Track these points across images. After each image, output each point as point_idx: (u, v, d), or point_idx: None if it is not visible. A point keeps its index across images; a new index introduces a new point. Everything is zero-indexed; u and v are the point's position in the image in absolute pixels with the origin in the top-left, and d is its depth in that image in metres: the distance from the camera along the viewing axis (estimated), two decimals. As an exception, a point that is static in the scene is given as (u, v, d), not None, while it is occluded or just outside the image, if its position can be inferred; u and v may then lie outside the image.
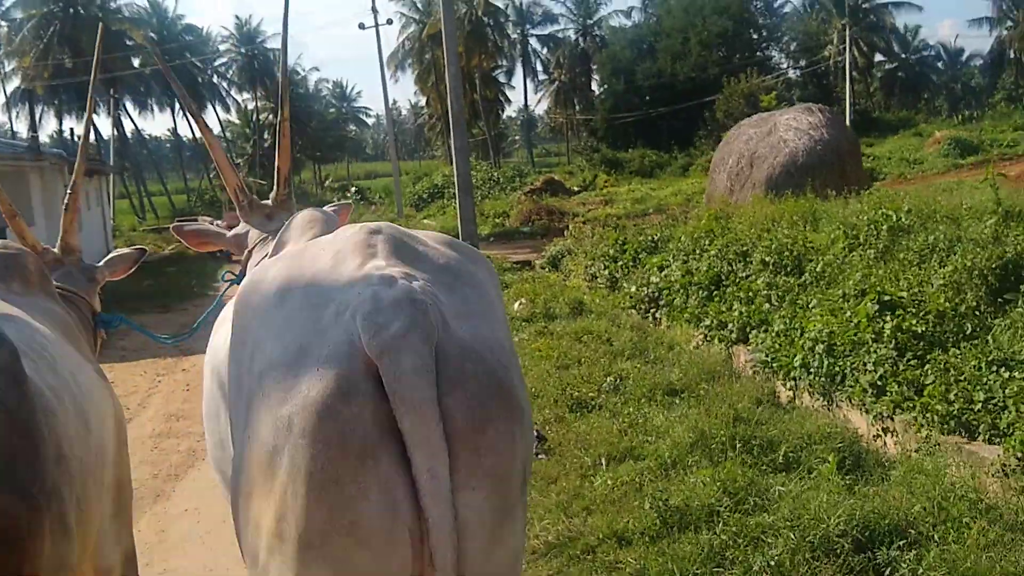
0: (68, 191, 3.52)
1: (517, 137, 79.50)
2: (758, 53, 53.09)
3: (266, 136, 64.08)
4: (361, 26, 39.81)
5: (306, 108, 64.08)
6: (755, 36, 55.23)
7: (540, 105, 72.22)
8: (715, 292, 8.68)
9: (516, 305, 10.29)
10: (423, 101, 74.67)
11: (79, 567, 2.31)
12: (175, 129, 66.13)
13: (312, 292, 1.97)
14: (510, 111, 73.91)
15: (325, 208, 3.24)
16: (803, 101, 44.61)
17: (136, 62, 52.55)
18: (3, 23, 51.32)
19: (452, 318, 1.89)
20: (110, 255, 3.79)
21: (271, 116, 63.13)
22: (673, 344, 8.25)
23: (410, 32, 60.89)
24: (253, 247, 3.28)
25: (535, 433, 5.47)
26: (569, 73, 64.05)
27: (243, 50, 62.66)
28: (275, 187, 3.38)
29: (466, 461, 1.78)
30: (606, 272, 11.61)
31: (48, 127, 70.06)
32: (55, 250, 3.50)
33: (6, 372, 2.02)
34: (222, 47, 62.93)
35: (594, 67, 61.69)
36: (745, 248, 9.30)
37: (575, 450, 5.75)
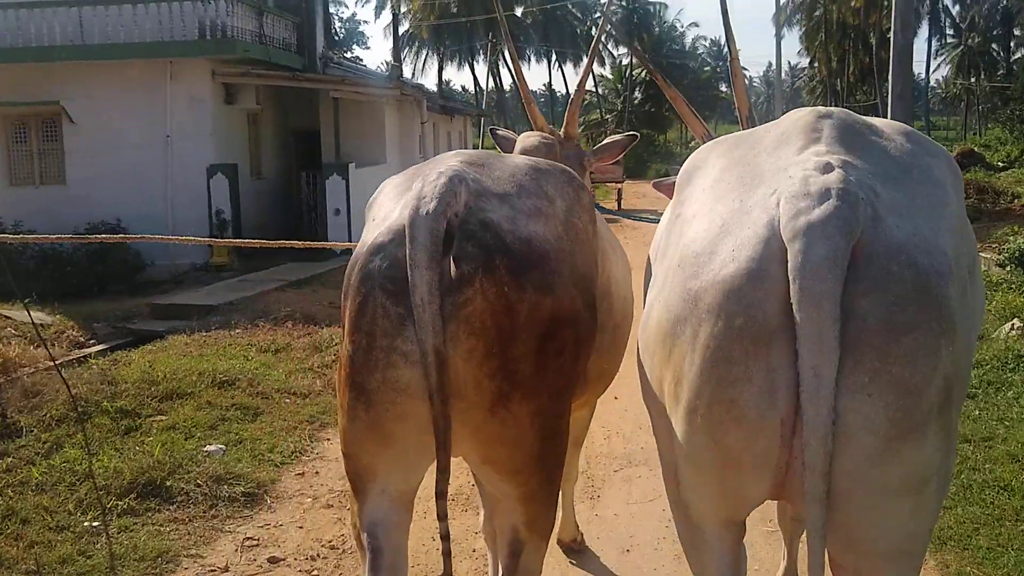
0: (574, 90, 4.35)
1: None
2: None
3: (636, 93, 63.48)
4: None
5: (681, 65, 62.25)
6: None
7: (938, 71, 64.16)
8: None
9: (1006, 328, 7.47)
10: (803, 62, 69.81)
11: (605, 382, 3.15)
12: (550, 83, 67.51)
13: (747, 172, 1.99)
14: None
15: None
16: None
17: (519, 11, 53.73)
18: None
19: (888, 214, 1.79)
20: (604, 141, 4.27)
21: (643, 73, 62.33)
22: None
23: (801, -15, 56.62)
24: None
25: None
26: (983, 35, 55.74)
27: (624, 3, 62.06)
28: (741, 125, 3.42)
29: (870, 366, 1.69)
30: None
31: (430, 73, 74.71)
32: (560, 133, 4.12)
33: (588, 211, 2.65)
34: (603, -1, 62.76)
35: (1016, 29, 53.04)
36: None
37: None
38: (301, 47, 18.70)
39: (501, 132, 4.30)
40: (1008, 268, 10.80)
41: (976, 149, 29.75)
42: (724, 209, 1.93)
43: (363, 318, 2.18)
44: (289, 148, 19.38)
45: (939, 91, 72.70)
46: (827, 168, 1.82)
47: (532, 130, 4.17)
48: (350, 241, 10.08)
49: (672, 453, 2.07)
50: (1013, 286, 8.99)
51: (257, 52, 16.64)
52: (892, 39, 14.42)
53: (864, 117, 2.14)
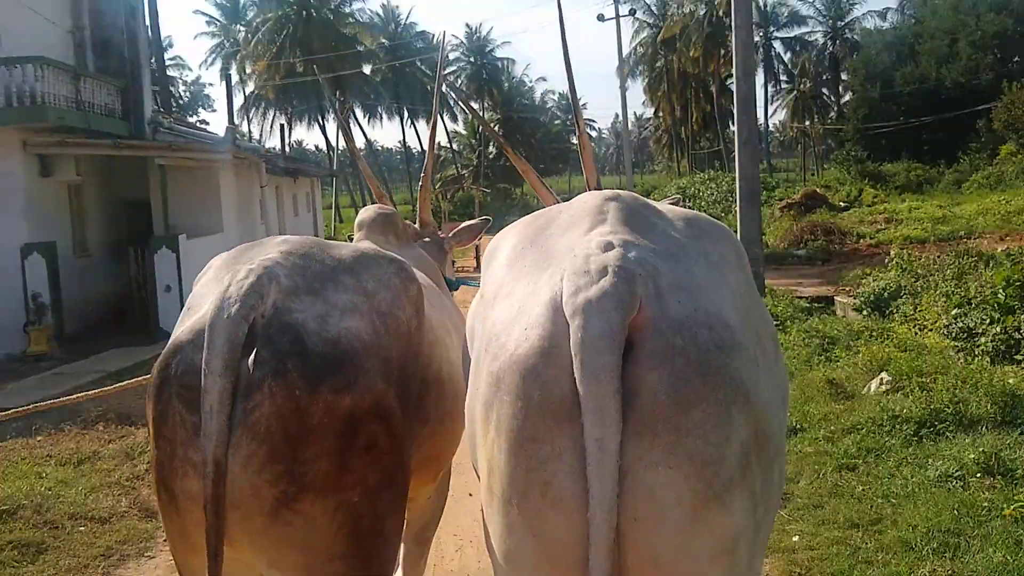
0: (422, 174, 4.49)
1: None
2: (1039, 56, 46.41)
3: (491, 148, 63.93)
4: (600, 17, 38.15)
5: (532, 119, 63.15)
6: (1038, 36, 48.38)
7: (775, 116, 67.49)
8: None
9: (875, 384, 6.95)
10: (648, 112, 72.21)
11: (436, 469, 3.07)
12: (404, 140, 67.18)
13: (540, 253, 2.06)
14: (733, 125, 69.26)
15: (663, 200, 3.17)
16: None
17: (367, 69, 53.36)
18: (242, 27, 53.56)
19: (670, 291, 1.84)
20: (460, 226, 4.43)
21: (497, 127, 62.93)
22: None
23: (643, 38, 58.62)
24: None
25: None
26: (814, 80, 58.97)
27: (472, 59, 62.68)
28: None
29: (666, 440, 1.73)
30: (994, 330, 7.49)
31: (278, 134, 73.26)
32: (415, 225, 4.22)
33: (414, 303, 2.59)
34: (452, 55, 63.18)
35: (843, 73, 56.29)
36: None
37: None
38: (127, 112, 17.38)
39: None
40: (865, 312, 10.70)
41: (819, 190, 30.88)
42: (521, 290, 1.99)
43: (164, 426, 2.18)
44: (119, 221, 17.87)
45: (777, 135, 76.53)
46: (608, 247, 1.89)
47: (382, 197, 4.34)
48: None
49: (493, 559, 1.98)
50: (874, 333, 8.74)
51: (74, 119, 15.25)
52: (735, 87, 14.47)
53: (650, 202, 2.25)
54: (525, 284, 1.99)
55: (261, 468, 2.10)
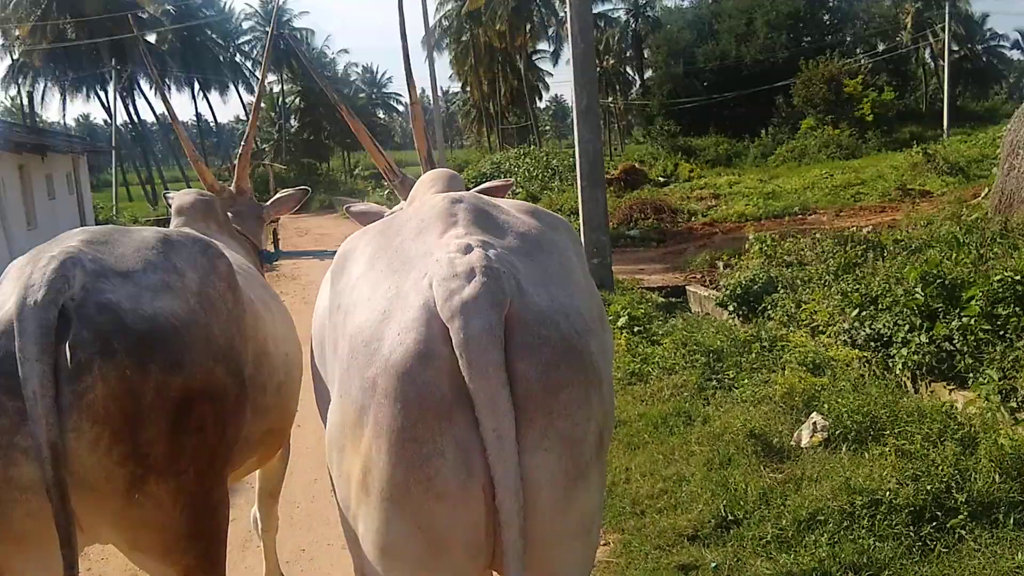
0: (242, 143, 4.40)
1: (548, 127, 74.85)
2: (828, 36, 48.43)
3: (292, 121, 60.26)
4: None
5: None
6: (827, 18, 50.52)
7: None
8: None
9: (806, 433, 5.10)
10: (456, 87, 70.56)
11: (280, 438, 3.21)
12: (197, 113, 62.13)
13: (396, 259, 2.09)
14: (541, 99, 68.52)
15: (486, 184, 3.44)
16: (882, 87, 40.88)
17: (153, 37, 48.50)
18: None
19: (529, 285, 1.94)
20: (277, 195, 4.44)
21: (298, 100, 59.40)
22: None
23: (448, 10, 56.66)
24: None
25: None
26: (617, 57, 59.11)
27: (267, 29, 58.57)
28: (421, 165, 3.45)
29: (540, 423, 1.84)
30: (918, 339, 5.87)
31: (51, 105, 66.02)
32: (231, 189, 4.21)
33: (225, 279, 2.61)
34: (245, 25, 58.78)
35: (645, 51, 56.70)
36: None
37: None
38: None
39: (171, 196, 4.13)
40: (731, 308, 9.30)
41: (637, 166, 30.16)
42: (382, 296, 2.00)
43: None
44: None
45: (580, 110, 76.89)
46: (468, 249, 1.95)
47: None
48: None
49: (363, 555, 2.00)
50: (765, 343, 7.05)
51: None
52: (571, 45, 12.01)
53: (491, 199, 2.33)
54: (385, 289, 2.01)
55: (108, 450, 2.10)
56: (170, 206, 4.02)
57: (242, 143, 4.37)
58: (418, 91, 3.76)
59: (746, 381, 6.21)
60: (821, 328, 7.43)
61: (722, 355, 6.96)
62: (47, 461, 1.98)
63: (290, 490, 5.02)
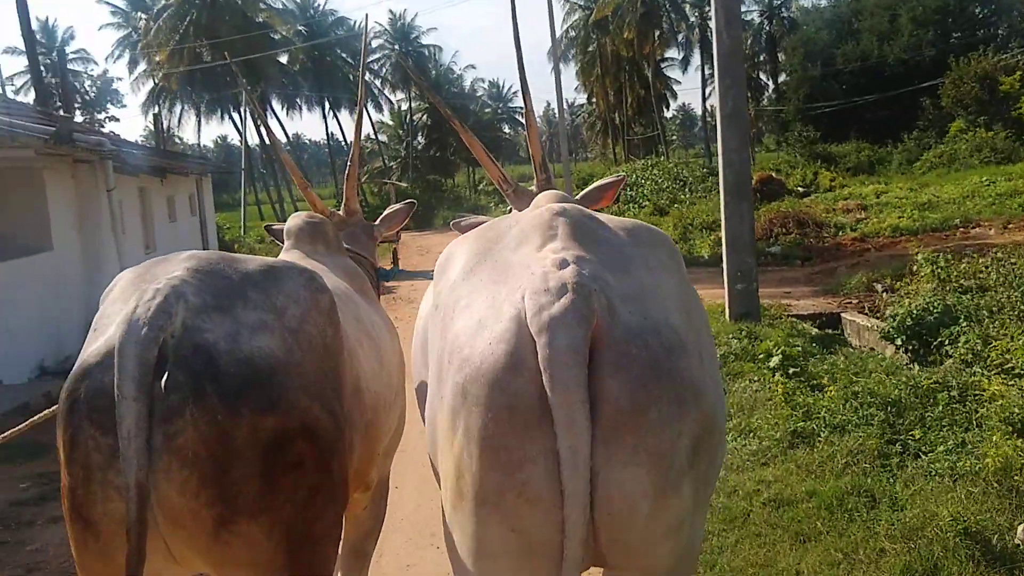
0: (348, 163, 4.28)
1: (675, 136, 73.11)
2: (980, 31, 45.12)
3: (420, 138, 60.90)
4: None
5: (461, 107, 60.19)
6: (978, 11, 47.15)
7: (710, 99, 65.54)
8: None
9: (1020, 532, 4.05)
10: (581, 99, 69.85)
11: (358, 481, 2.99)
12: (327, 132, 63.63)
13: (495, 269, 2.13)
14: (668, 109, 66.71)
15: (598, 183, 3.62)
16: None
17: (284, 58, 49.77)
18: (143, 16, 49.41)
19: (620, 302, 1.96)
20: (385, 212, 4.45)
21: (425, 117, 59.97)
22: None
23: (574, 20, 56.00)
24: None
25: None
26: (750, 61, 57.03)
27: (397, 47, 59.39)
28: (535, 173, 3.48)
29: (630, 441, 1.86)
30: None
31: (188, 126, 68.59)
32: (341, 213, 4.20)
33: (327, 315, 2.56)
34: (375, 43, 59.70)
35: (780, 54, 54.39)
36: None
37: None
38: None
39: (276, 226, 4.20)
40: (899, 342, 8.12)
41: (773, 175, 28.52)
42: (480, 304, 2.04)
43: (76, 451, 2.14)
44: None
45: (710, 119, 74.85)
46: (563, 264, 1.99)
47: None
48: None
49: (462, 558, 2.04)
50: (954, 393, 5.98)
51: None
52: (715, 41, 10.65)
53: (593, 213, 2.33)
54: (483, 298, 2.05)
55: (197, 493, 2.11)
56: (273, 235, 4.21)
57: (348, 165, 4.29)
58: (543, 104, 3.41)
59: (940, 448, 5.13)
60: (1019, 371, 6.25)
61: (902, 409, 5.88)
62: (132, 501, 2.00)
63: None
